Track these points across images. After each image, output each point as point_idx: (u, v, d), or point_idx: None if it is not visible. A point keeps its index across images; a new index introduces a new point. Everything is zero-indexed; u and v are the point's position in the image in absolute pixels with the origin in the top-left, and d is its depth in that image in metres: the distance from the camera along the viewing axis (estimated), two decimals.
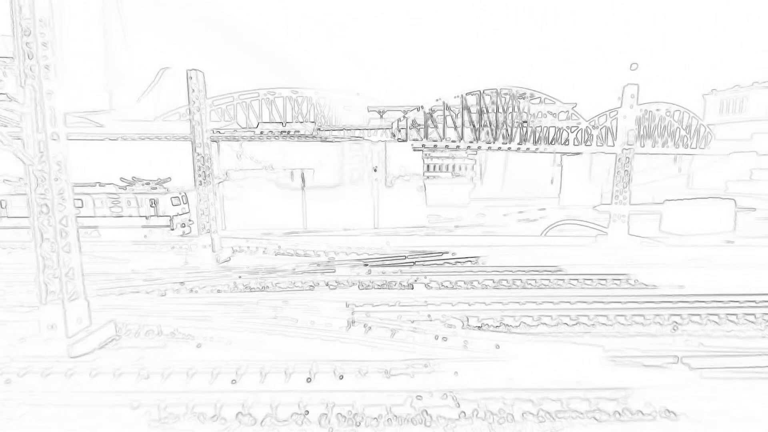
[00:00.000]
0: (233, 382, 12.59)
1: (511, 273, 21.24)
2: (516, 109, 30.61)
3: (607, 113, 29.93)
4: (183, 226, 28.95)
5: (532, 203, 35.41)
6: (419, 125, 30.55)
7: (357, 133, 31.21)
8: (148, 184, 28.43)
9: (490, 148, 31.20)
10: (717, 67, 31.62)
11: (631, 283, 20.32)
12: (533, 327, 15.93)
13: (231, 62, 31.03)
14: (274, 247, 26.72)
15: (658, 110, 31.40)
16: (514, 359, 13.71)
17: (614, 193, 27.94)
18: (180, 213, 28.95)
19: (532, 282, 20.36)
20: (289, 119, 32.65)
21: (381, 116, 32.18)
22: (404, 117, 30.62)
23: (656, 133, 31.92)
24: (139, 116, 31.48)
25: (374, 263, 23.06)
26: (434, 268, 22.59)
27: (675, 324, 15.83)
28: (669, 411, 11.30)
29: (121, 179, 28.53)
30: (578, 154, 32.44)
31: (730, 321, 16.09)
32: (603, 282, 20.32)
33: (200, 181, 24.43)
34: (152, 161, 29.71)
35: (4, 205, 27.69)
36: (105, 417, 11.28)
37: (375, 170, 31.81)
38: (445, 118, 30.46)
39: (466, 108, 30.26)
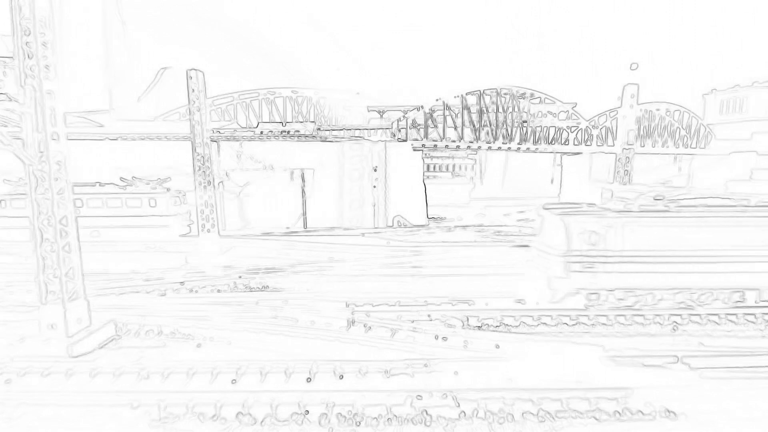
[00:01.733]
0: (233, 382, 12.59)
1: None
2: (516, 109, 30.61)
3: (607, 113, 29.91)
4: (183, 226, 28.91)
5: (532, 203, 35.39)
6: (419, 125, 30.54)
7: (357, 133, 31.20)
8: (148, 184, 28.42)
9: (490, 148, 31.20)
10: (717, 67, 31.59)
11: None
12: (533, 327, 15.92)
13: (231, 62, 31.01)
14: (273, 247, 26.71)
15: (658, 110, 31.36)
16: (514, 359, 13.71)
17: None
18: (179, 213, 28.92)
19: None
20: (289, 119, 32.61)
21: (381, 116, 32.15)
22: (404, 117, 30.62)
23: (656, 133, 31.89)
24: (139, 116, 31.44)
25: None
26: None
27: (675, 324, 15.83)
28: (669, 411, 11.30)
29: (121, 179, 28.51)
30: (578, 154, 32.44)
31: (729, 321, 16.08)
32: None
33: (200, 182, 24.44)
34: (152, 161, 29.71)
35: (4, 205, 27.68)
36: (105, 417, 11.28)
37: (375, 170, 31.80)
38: (445, 118, 30.45)
39: (466, 108, 30.26)
